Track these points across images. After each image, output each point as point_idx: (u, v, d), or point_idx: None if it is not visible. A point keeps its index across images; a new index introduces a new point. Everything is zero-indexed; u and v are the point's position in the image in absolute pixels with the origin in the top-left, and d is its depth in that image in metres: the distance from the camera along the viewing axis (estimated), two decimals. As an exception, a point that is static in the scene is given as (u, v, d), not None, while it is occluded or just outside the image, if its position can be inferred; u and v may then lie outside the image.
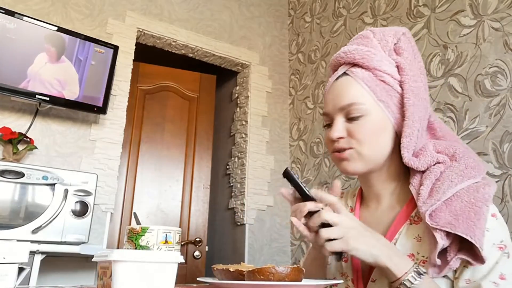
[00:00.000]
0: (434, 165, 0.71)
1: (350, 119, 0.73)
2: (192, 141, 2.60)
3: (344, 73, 0.76)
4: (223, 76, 2.97)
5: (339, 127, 0.74)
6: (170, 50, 2.53)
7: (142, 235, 0.62)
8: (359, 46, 0.76)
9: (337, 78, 0.77)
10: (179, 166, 2.51)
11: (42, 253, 1.48)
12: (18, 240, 0.67)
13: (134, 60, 2.26)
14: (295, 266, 0.61)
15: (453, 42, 1.75)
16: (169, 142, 2.53)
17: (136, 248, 0.61)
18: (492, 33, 1.59)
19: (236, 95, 2.79)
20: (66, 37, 1.89)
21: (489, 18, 1.62)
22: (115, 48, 2.02)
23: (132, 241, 0.63)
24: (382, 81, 0.73)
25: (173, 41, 2.42)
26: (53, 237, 1.51)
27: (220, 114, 2.98)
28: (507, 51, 1.53)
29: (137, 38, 2.33)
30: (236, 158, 2.63)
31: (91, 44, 1.94)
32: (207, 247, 2.49)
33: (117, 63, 2.07)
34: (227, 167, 2.73)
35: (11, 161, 1.66)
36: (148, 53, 2.63)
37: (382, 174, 0.77)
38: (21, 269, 0.65)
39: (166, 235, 0.63)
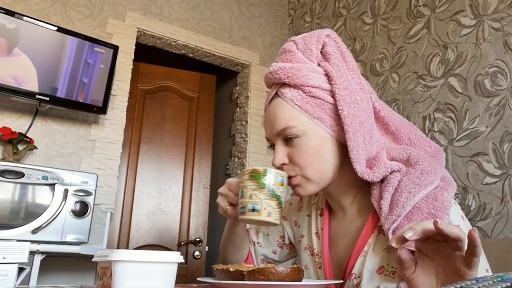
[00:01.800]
0: (390, 173, 0.69)
1: (287, 142, 0.72)
2: (192, 141, 2.60)
3: (276, 94, 0.75)
4: (223, 76, 2.97)
5: (279, 154, 0.73)
6: (170, 50, 2.53)
7: (264, 175, 0.68)
8: (283, 64, 0.74)
9: (270, 101, 0.76)
10: (179, 166, 2.51)
11: (42, 253, 1.48)
12: (18, 240, 0.67)
13: (134, 60, 2.26)
14: (295, 266, 0.61)
15: (453, 42, 1.75)
16: (169, 142, 2.53)
17: (258, 186, 0.67)
18: (492, 33, 1.59)
19: (236, 95, 2.79)
20: (66, 37, 1.89)
21: (489, 18, 1.62)
22: (115, 48, 2.02)
23: (255, 179, 0.68)
24: (313, 96, 0.71)
25: (173, 41, 2.42)
26: (53, 237, 1.51)
27: (220, 114, 2.98)
28: (507, 51, 1.53)
29: (137, 38, 2.33)
30: (236, 158, 2.63)
31: (94, 45, 1.94)
32: (207, 247, 2.48)
33: (117, 63, 2.07)
34: (227, 167, 2.73)
35: (11, 161, 1.66)
36: (148, 53, 2.63)
37: (339, 186, 0.75)
38: (21, 269, 0.65)
39: (282, 178, 0.69)
